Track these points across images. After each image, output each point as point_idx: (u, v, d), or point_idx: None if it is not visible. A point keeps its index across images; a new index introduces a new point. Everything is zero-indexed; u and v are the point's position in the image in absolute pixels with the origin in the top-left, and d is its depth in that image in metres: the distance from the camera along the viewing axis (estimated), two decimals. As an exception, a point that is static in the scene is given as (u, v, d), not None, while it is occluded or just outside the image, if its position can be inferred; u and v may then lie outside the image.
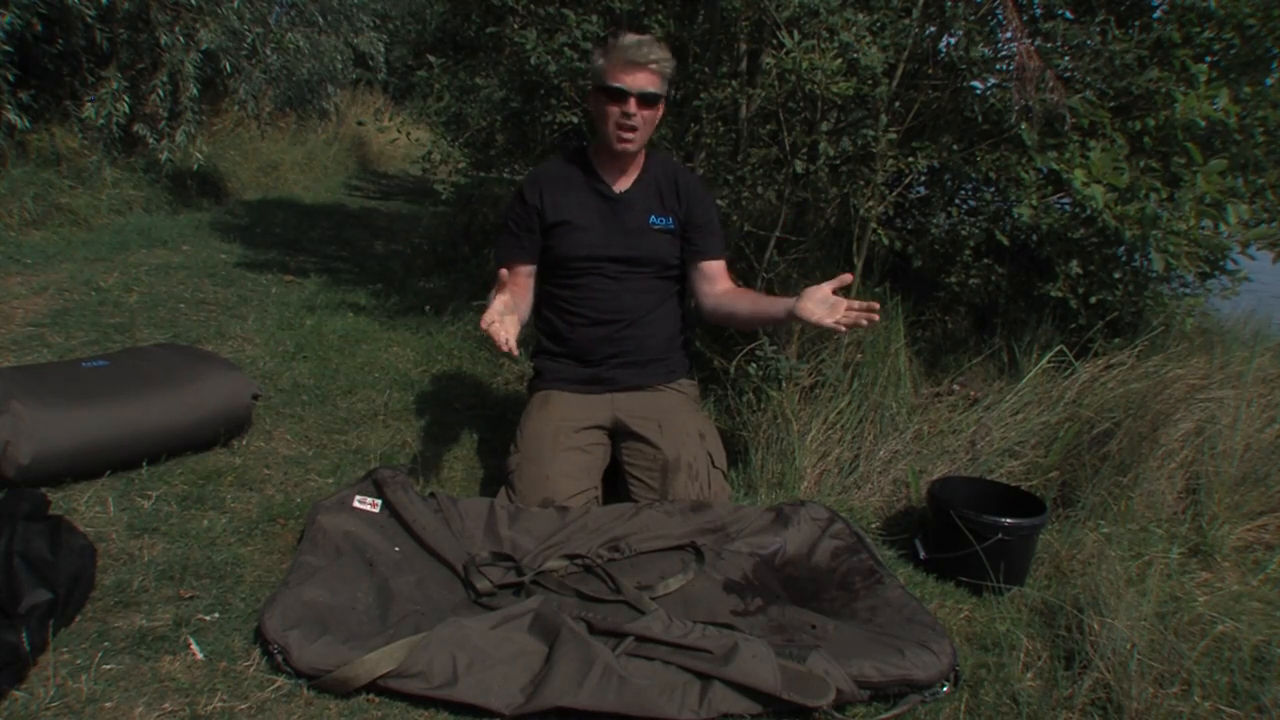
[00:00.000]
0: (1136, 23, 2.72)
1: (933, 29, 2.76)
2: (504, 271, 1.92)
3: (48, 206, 4.80)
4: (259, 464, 2.33)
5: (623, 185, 2.22)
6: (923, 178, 3.11)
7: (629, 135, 2.09)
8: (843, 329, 1.92)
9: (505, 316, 1.88)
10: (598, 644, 1.50)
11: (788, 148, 2.78)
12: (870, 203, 2.63)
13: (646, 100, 2.06)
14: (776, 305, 2.10)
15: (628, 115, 2.06)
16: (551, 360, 2.30)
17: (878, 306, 1.90)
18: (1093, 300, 2.72)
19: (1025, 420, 2.50)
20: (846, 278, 1.95)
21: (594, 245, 2.19)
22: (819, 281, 1.97)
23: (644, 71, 2.04)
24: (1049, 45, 2.60)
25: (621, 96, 2.05)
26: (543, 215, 2.20)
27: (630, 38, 2.07)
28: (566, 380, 2.27)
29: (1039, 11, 2.90)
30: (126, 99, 5.26)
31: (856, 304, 1.91)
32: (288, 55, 6.49)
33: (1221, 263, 2.80)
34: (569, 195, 2.20)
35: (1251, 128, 2.56)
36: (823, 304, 1.94)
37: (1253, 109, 2.56)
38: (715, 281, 2.29)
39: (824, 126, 2.71)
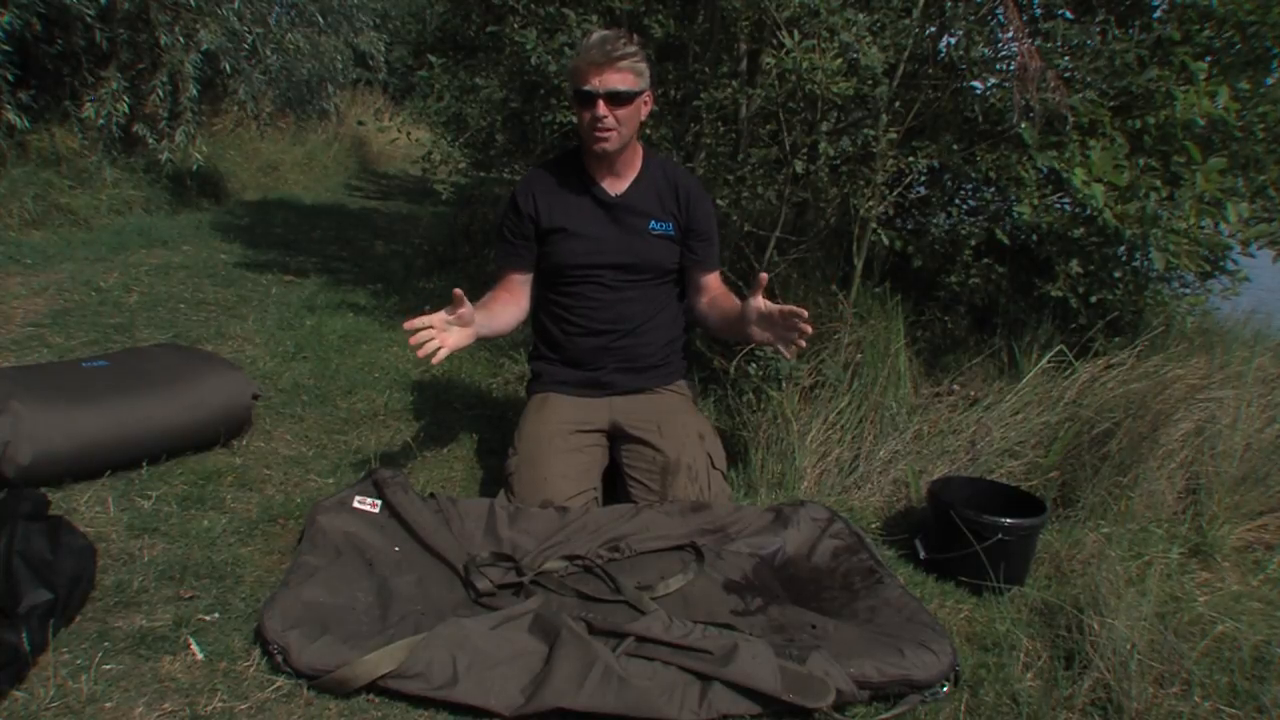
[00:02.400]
0: (1136, 22, 2.72)
1: (933, 29, 2.76)
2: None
3: (48, 206, 4.80)
4: (259, 464, 2.33)
5: (618, 188, 2.18)
6: (923, 178, 3.11)
7: (604, 135, 2.04)
8: (790, 356, 1.94)
9: (452, 327, 1.89)
10: (598, 644, 1.50)
11: (788, 148, 2.78)
12: (870, 203, 2.63)
13: (616, 99, 2.00)
14: (739, 328, 2.05)
15: (599, 118, 2.01)
16: (548, 364, 2.30)
17: (805, 314, 1.82)
18: (1093, 300, 2.72)
19: (1025, 420, 2.50)
20: (763, 278, 1.92)
21: (591, 253, 2.17)
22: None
23: (610, 70, 1.98)
24: (1049, 45, 2.60)
25: (590, 99, 2.00)
26: (538, 222, 2.17)
27: (595, 36, 2.02)
28: (564, 384, 2.26)
29: (1039, 11, 2.90)
30: (126, 99, 5.26)
31: (775, 311, 1.88)
32: (288, 56, 6.49)
33: (1222, 262, 2.80)
34: (565, 201, 2.17)
35: (1251, 125, 2.56)
36: (763, 323, 1.93)
37: (1252, 106, 2.56)
38: (705, 291, 2.27)
39: (824, 126, 2.71)
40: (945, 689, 1.57)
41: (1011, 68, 2.66)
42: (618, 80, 1.99)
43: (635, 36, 2.07)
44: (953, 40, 2.73)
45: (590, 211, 2.17)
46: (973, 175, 2.87)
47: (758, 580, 1.86)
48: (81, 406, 2.07)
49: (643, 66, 2.04)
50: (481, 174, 4.02)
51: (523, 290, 2.25)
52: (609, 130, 2.04)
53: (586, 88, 2.00)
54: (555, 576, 1.79)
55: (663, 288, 2.26)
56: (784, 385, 2.50)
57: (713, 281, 2.30)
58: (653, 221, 2.19)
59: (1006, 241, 2.82)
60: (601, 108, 2.00)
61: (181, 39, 5.34)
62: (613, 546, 1.89)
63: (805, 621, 1.68)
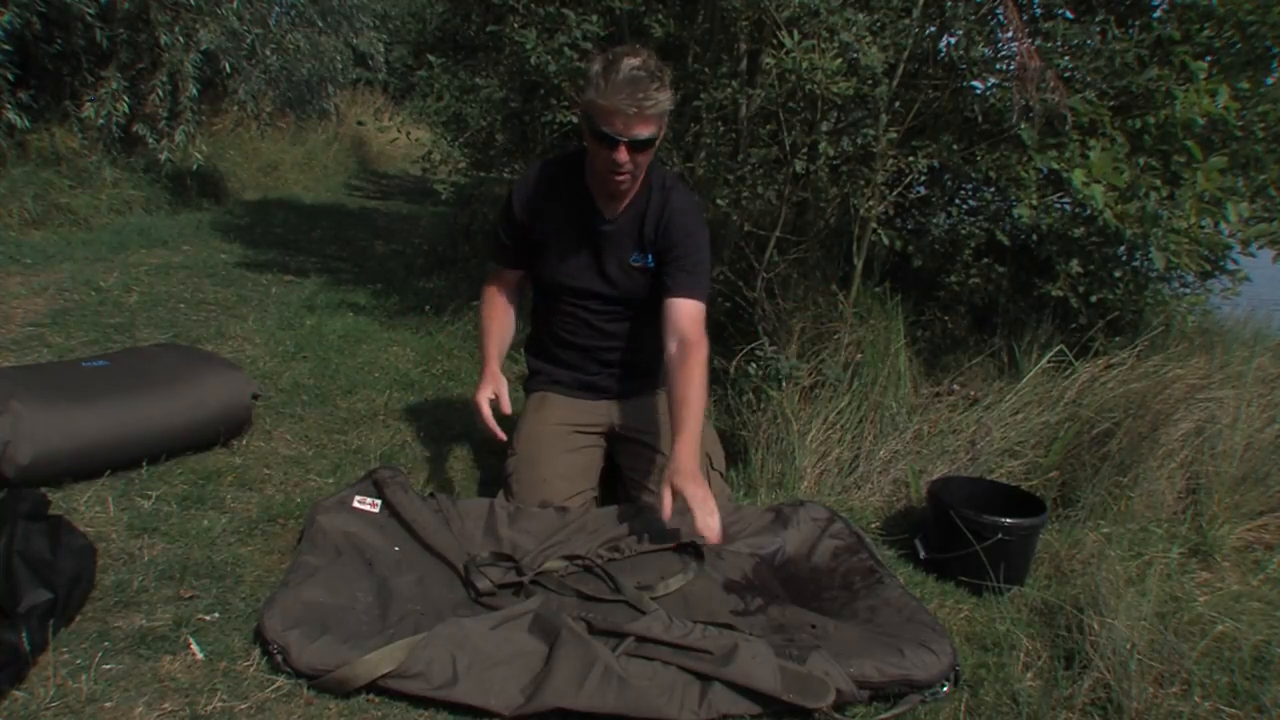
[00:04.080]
0: (1136, 22, 2.72)
1: (933, 29, 2.76)
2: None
3: (48, 206, 4.80)
4: (259, 464, 2.33)
5: (614, 210, 2.07)
6: (923, 178, 3.11)
7: (621, 179, 1.94)
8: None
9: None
10: (598, 644, 1.50)
11: (788, 148, 2.78)
12: (870, 202, 2.63)
13: (638, 146, 1.88)
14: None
15: (619, 164, 1.89)
16: (546, 363, 2.28)
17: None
18: (1093, 299, 2.72)
19: (1025, 420, 2.50)
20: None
21: (573, 278, 2.11)
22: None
23: (639, 121, 1.84)
24: (1049, 45, 2.60)
25: (612, 143, 1.87)
26: (528, 232, 2.11)
27: (625, 71, 1.81)
28: (561, 384, 2.25)
29: (1039, 11, 2.90)
30: (126, 99, 5.25)
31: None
32: (287, 56, 6.49)
33: (1222, 261, 2.80)
34: (558, 220, 2.08)
35: (1251, 124, 2.56)
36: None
37: (1252, 105, 2.56)
38: (674, 332, 1.99)
39: (824, 126, 2.71)
40: (945, 689, 1.57)
41: (1011, 68, 2.66)
42: (643, 128, 1.86)
43: (663, 73, 1.88)
44: (953, 40, 2.73)
45: (578, 238, 2.08)
46: (973, 175, 2.87)
47: (758, 580, 1.86)
48: (81, 406, 2.07)
49: (668, 106, 1.89)
50: (481, 174, 4.02)
51: (517, 286, 2.23)
52: (626, 175, 1.94)
53: (609, 131, 1.85)
54: (555, 576, 1.79)
55: (642, 316, 2.16)
56: (784, 385, 2.49)
57: (684, 316, 1.99)
58: (635, 254, 2.09)
59: (1006, 242, 2.81)
60: (623, 154, 1.88)
61: (181, 39, 5.33)
62: (613, 546, 1.89)
63: (805, 621, 1.68)
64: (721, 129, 3.06)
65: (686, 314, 2.00)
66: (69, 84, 5.28)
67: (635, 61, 1.83)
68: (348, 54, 7.59)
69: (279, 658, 1.49)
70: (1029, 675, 1.66)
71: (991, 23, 2.78)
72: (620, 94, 1.80)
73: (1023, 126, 2.56)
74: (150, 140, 5.44)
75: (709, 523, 1.76)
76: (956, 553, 1.97)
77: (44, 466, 1.99)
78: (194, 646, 1.56)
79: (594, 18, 2.93)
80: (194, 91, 5.46)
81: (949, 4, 2.68)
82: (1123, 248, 2.72)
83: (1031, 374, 2.62)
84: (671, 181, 2.11)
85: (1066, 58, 2.62)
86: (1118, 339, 2.80)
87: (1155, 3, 2.77)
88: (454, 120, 3.92)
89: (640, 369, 2.25)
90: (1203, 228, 2.50)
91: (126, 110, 5.27)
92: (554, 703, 1.42)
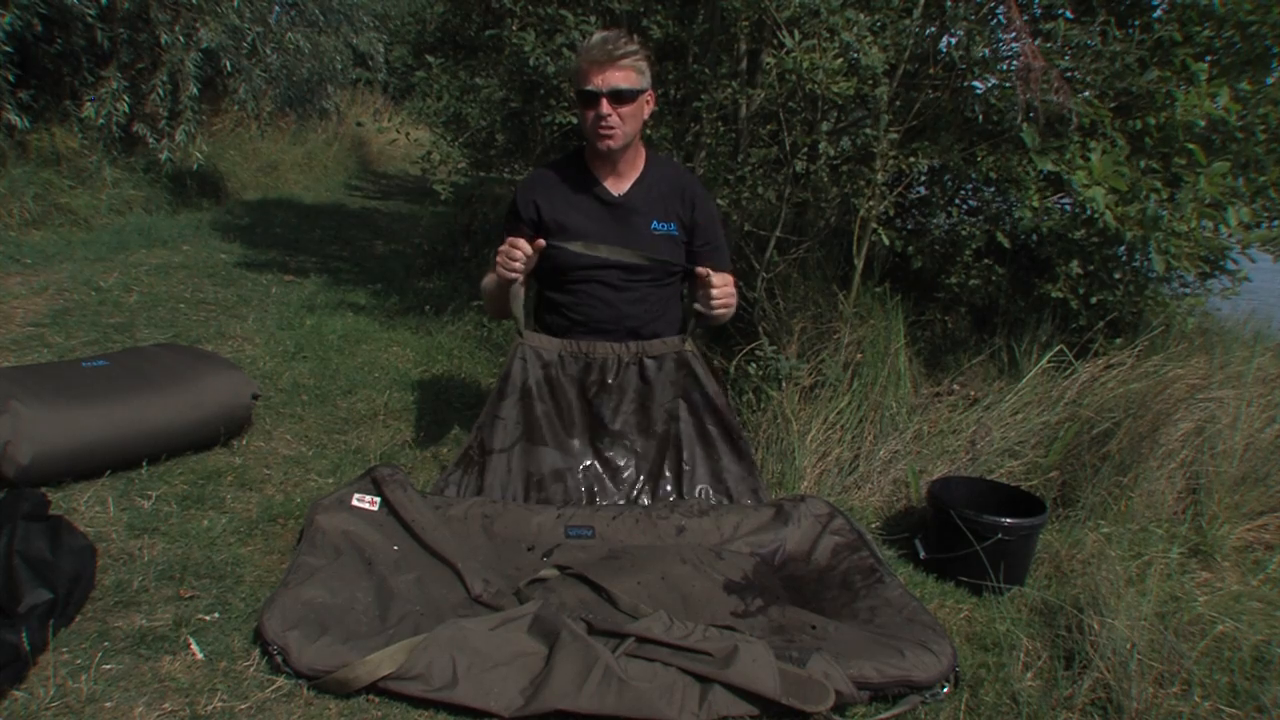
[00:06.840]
0: (1136, 22, 2.71)
1: (933, 29, 2.76)
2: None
3: (48, 206, 4.80)
4: (259, 464, 2.33)
5: (621, 188, 2.18)
6: (923, 178, 3.11)
7: (607, 133, 2.06)
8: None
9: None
10: (598, 645, 1.50)
11: (788, 148, 2.77)
12: (870, 203, 2.63)
13: (618, 98, 2.02)
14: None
15: (602, 116, 2.03)
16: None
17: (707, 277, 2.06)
18: (1093, 300, 2.72)
19: (1025, 420, 2.50)
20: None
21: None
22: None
23: (613, 69, 2.00)
24: (1049, 45, 2.60)
25: (593, 99, 2.02)
26: (539, 225, 2.16)
27: (596, 36, 2.06)
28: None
29: (1039, 12, 2.90)
30: (126, 99, 5.25)
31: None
32: (288, 55, 6.48)
33: (1222, 262, 2.80)
34: (567, 200, 2.17)
35: (1252, 125, 2.55)
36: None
37: (1253, 106, 2.55)
38: None
39: (824, 126, 2.71)
40: (945, 690, 1.57)
41: (1013, 67, 2.65)
42: (620, 79, 2.01)
43: (635, 36, 2.07)
44: (953, 40, 2.72)
45: (593, 211, 2.16)
46: (973, 176, 2.87)
47: (758, 580, 1.86)
48: (81, 406, 2.07)
49: (644, 65, 2.06)
50: (481, 174, 4.02)
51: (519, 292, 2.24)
52: (612, 128, 2.04)
53: (589, 87, 2.02)
54: (548, 583, 1.78)
55: (667, 289, 2.24)
56: (784, 385, 2.49)
57: None
58: (655, 222, 2.18)
59: (1007, 244, 2.81)
60: (605, 106, 2.01)
61: (181, 38, 5.33)
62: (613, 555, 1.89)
63: (805, 622, 1.68)
64: (721, 129, 3.06)
65: None
66: (69, 84, 5.28)
67: (606, 31, 2.10)
68: (348, 54, 7.59)
69: (279, 658, 1.49)
70: (1029, 675, 1.66)
71: (992, 23, 2.78)
72: (594, 49, 2.02)
73: (1024, 128, 2.55)
74: (150, 140, 5.44)
75: (714, 279, 2.06)
76: (956, 553, 1.97)
77: (44, 466, 1.99)
78: (194, 646, 1.56)
79: (593, 19, 2.93)
80: (194, 91, 5.46)
81: (949, 4, 2.68)
82: (1123, 249, 2.72)
83: (1031, 374, 2.62)
84: (666, 159, 2.32)
85: (1067, 58, 2.62)
86: (1118, 339, 2.80)
87: (1155, 3, 2.77)
88: (454, 120, 3.92)
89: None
90: (1203, 229, 2.50)
91: (126, 110, 5.27)
92: (554, 704, 1.42)
